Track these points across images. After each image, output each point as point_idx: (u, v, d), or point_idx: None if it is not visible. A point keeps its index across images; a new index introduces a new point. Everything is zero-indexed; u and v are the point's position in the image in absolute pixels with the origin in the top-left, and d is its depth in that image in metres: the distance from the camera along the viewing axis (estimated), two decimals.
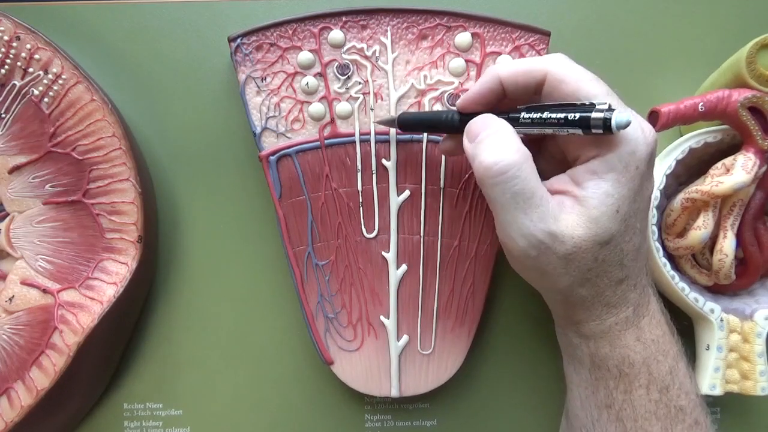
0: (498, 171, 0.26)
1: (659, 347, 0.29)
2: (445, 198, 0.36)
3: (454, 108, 0.31)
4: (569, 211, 0.27)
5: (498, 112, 0.29)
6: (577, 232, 0.26)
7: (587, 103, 0.26)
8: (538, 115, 0.27)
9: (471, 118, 0.29)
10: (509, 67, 0.28)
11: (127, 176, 0.35)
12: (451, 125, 0.31)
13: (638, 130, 0.26)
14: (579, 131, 0.26)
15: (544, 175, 0.28)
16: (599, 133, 0.25)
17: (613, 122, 0.25)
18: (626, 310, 0.29)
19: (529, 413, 0.40)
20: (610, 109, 0.25)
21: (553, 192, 0.28)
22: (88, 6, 0.38)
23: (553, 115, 0.26)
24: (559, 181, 0.28)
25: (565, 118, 0.26)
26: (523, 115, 0.28)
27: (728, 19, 0.39)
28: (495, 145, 0.27)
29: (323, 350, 0.36)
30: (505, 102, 0.29)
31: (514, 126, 0.28)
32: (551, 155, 0.31)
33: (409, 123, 0.33)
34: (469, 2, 0.38)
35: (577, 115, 0.26)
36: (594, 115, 0.25)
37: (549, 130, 0.27)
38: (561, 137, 0.29)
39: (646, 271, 0.30)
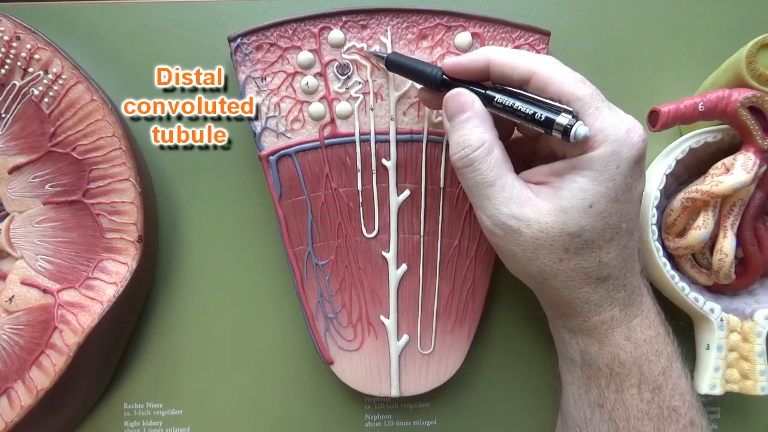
0: (462, 165, 0.29)
1: (652, 347, 0.29)
2: (445, 198, 0.36)
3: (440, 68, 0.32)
4: (543, 199, 0.28)
5: (478, 85, 0.30)
6: (544, 218, 0.28)
7: (559, 105, 0.27)
8: (511, 103, 0.28)
9: (452, 83, 0.31)
10: (501, 55, 0.29)
11: (127, 176, 0.34)
12: (433, 82, 0.31)
13: (621, 131, 0.27)
14: (542, 130, 0.27)
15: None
16: (558, 138, 0.27)
17: (572, 131, 0.26)
18: (612, 309, 0.29)
19: (529, 413, 0.40)
20: (575, 118, 0.26)
21: (535, 181, 0.29)
22: (88, 6, 0.38)
23: (523, 108, 0.28)
24: (541, 171, 0.29)
25: (533, 114, 0.27)
26: (497, 98, 0.29)
27: (728, 19, 0.39)
28: (463, 136, 0.29)
29: (323, 350, 0.36)
30: (488, 82, 0.30)
31: (487, 105, 0.29)
32: (545, 153, 0.32)
33: (396, 64, 0.33)
34: (469, 2, 0.38)
35: (544, 116, 0.27)
36: (558, 119, 0.27)
37: (517, 120, 0.28)
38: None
39: (639, 271, 0.30)
